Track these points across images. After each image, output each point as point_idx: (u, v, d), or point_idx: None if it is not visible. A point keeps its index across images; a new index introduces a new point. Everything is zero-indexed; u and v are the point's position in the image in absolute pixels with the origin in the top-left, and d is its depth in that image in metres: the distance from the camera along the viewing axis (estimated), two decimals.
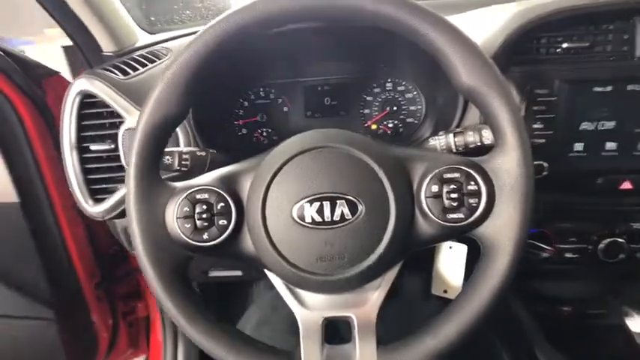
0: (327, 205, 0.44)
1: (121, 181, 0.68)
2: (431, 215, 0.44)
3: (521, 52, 0.65)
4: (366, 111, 0.83)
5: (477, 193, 0.44)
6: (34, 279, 0.93)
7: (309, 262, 0.44)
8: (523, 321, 0.78)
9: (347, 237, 0.44)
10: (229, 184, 0.47)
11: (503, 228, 0.43)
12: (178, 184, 0.47)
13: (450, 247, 0.68)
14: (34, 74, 0.84)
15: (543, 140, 0.64)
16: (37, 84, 0.84)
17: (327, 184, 0.44)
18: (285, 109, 0.83)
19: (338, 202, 0.44)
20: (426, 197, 0.45)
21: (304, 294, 0.48)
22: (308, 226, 0.44)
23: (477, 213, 0.44)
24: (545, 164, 0.63)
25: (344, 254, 0.44)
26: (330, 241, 0.44)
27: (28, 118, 0.83)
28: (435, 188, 0.44)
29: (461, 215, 0.44)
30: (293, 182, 0.45)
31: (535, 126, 0.64)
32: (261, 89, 0.82)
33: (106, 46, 0.77)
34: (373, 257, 0.44)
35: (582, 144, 0.65)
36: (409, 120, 0.83)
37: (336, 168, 0.45)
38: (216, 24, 0.43)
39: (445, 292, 0.68)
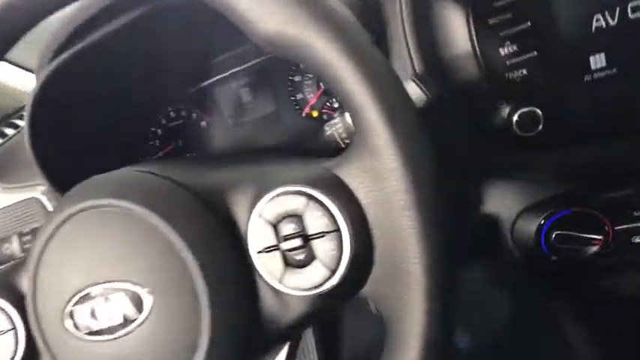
0: (99, 302, 0.27)
1: None
2: (273, 282, 0.25)
3: None
4: (299, 96, 0.61)
5: (330, 231, 0.23)
6: None
7: None
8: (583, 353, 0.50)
9: (141, 347, 0.27)
10: (8, 285, 0.33)
11: (400, 284, 0.22)
12: None
13: None
14: None
15: (524, 71, 0.37)
16: None
17: (93, 269, 0.28)
18: (203, 123, 0.66)
19: (112, 296, 0.27)
20: (257, 253, 0.25)
21: None
22: (86, 339, 0.28)
23: (342, 266, 0.23)
24: (539, 111, 0.36)
25: None
26: (121, 356, 0.27)
27: None
28: (266, 235, 0.24)
29: (316, 278, 0.24)
30: (55, 273, 0.29)
31: (504, 52, 0.37)
32: (170, 109, 0.66)
33: None
34: None
35: (603, 54, 0.36)
36: None
37: (103, 239, 0.28)
38: None
39: None
